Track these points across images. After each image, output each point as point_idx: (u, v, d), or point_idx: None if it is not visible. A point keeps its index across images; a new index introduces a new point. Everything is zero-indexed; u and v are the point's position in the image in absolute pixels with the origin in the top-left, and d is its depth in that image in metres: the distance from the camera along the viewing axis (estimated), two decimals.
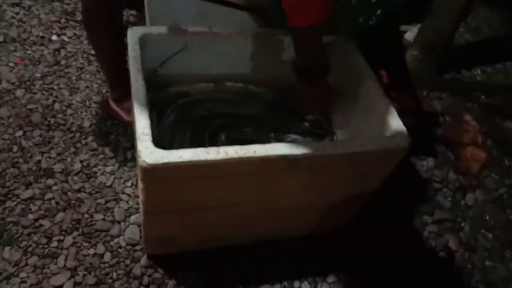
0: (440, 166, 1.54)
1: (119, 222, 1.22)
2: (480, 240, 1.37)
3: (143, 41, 1.04)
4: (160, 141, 1.08)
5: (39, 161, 1.32)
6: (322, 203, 1.13)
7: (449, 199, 1.46)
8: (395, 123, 1.00)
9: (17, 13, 1.74)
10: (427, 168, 1.52)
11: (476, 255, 1.33)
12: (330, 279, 1.20)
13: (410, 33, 1.99)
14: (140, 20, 1.76)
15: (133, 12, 1.77)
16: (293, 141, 1.21)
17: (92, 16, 1.20)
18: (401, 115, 1.64)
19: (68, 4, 1.81)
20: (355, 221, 1.26)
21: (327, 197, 1.11)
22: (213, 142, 1.15)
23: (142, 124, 0.87)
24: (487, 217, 1.44)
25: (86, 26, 1.25)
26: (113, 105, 1.41)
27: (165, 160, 0.82)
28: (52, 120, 1.42)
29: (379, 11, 1.10)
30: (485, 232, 1.40)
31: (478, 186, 1.52)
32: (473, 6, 2.31)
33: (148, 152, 0.83)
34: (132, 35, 1.04)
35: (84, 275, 1.11)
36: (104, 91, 1.52)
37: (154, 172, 0.84)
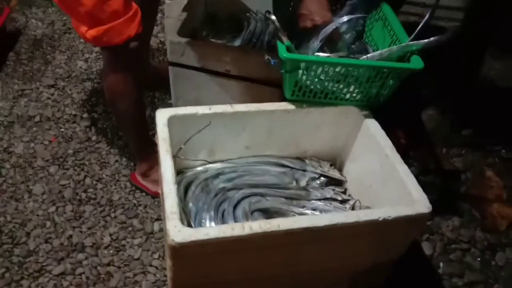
0: (467, 225, 1.52)
1: None
2: None
3: (170, 122, 1.11)
4: (187, 214, 1.12)
5: (71, 236, 1.37)
6: (348, 272, 1.13)
7: (479, 259, 1.43)
8: (415, 189, 1.02)
9: (52, 94, 1.88)
10: (453, 228, 1.50)
11: None
12: None
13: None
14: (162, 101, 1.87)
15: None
16: (315, 209, 1.23)
17: (116, 93, 1.30)
18: (422, 174, 1.66)
19: (98, 83, 1.95)
20: (385, 287, 1.24)
21: (352, 265, 1.11)
22: (236, 212, 1.19)
23: (170, 203, 0.92)
24: None
25: (111, 101, 1.34)
26: (139, 178, 1.48)
27: (193, 238, 0.86)
28: (83, 195, 1.49)
29: (391, 81, 1.16)
30: None
31: (508, 244, 1.48)
32: (485, 60, 2.37)
33: (177, 231, 0.86)
34: (160, 117, 1.12)
35: None
36: (132, 164, 1.59)
37: (182, 250, 0.87)
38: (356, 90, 1.18)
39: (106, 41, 1.13)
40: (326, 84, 1.16)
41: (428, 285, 1.35)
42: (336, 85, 1.17)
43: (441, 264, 1.40)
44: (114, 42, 1.14)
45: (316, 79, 1.14)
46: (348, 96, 1.20)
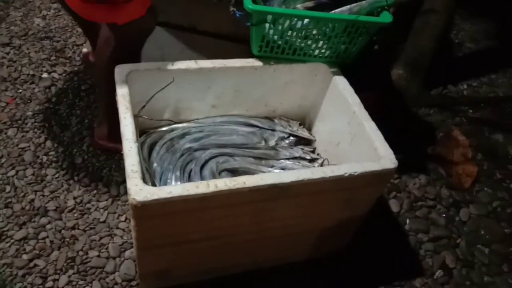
0: (433, 183, 1.55)
1: (114, 258, 1.21)
2: (477, 256, 1.37)
3: (130, 78, 1.06)
4: (151, 175, 1.09)
5: (33, 200, 1.32)
6: (315, 229, 1.13)
7: (444, 215, 1.46)
8: (382, 145, 1.02)
9: (8, 53, 1.77)
10: (420, 185, 1.53)
11: (474, 271, 1.33)
12: None
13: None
14: None
15: None
16: (284, 168, 1.22)
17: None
18: (390, 134, 1.67)
19: (57, 41, 1.84)
20: (351, 244, 1.26)
21: (320, 222, 1.11)
22: (204, 173, 1.16)
23: (131, 161, 0.88)
24: (483, 232, 1.44)
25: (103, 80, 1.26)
26: (104, 142, 1.42)
27: (155, 197, 0.83)
28: (45, 158, 1.43)
29: (360, 37, 1.13)
30: (481, 247, 1.40)
31: (471, 201, 1.52)
32: (454, 22, 2.37)
33: (138, 190, 0.83)
34: (119, 73, 1.06)
35: None
36: (94, 125, 1.53)
37: (144, 209, 0.84)
38: (325, 46, 1.15)
39: None
40: (294, 39, 1.12)
41: (395, 240, 1.37)
42: (304, 41, 1.14)
43: (408, 220, 1.43)
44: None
45: (284, 34, 1.09)
46: (317, 52, 1.17)
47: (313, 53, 1.17)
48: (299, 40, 1.13)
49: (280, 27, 1.07)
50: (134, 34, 1.16)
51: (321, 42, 1.14)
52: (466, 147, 1.68)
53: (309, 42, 1.14)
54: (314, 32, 1.10)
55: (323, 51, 1.16)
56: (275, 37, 1.10)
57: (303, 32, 1.10)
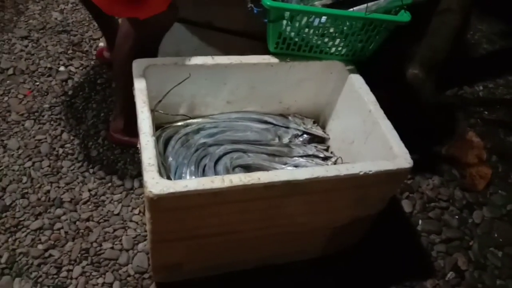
0: (446, 184, 1.54)
1: (127, 250, 1.23)
2: (490, 258, 1.36)
3: (148, 73, 1.07)
4: (166, 169, 1.10)
5: (48, 191, 1.34)
6: (328, 226, 1.13)
7: (456, 217, 1.45)
8: (397, 144, 1.01)
9: (26, 46, 1.79)
10: (433, 186, 1.52)
11: (486, 274, 1.32)
12: None
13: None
14: None
15: None
16: (297, 166, 1.22)
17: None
18: (404, 133, 1.66)
19: (74, 35, 1.86)
20: (362, 242, 1.26)
21: (332, 220, 1.11)
22: (218, 168, 1.17)
23: (148, 155, 0.89)
24: (496, 235, 1.43)
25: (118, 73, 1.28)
26: (119, 136, 1.44)
27: (171, 190, 0.84)
28: (61, 150, 1.45)
29: (376, 35, 1.13)
30: (494, 250, 1.38)
31: (485, 203, 1.51)
32: (471, 23, 2.34)
33: (154, 183, 0.84)
34: (137, 67, 1.07)
35: None
36: (110, 119, 1.55)
37: (160, 202, 0.85)
38: (342, 44, 1.15)
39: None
40: (311, 36, 1.12)
41: (407, 241, 1.37)
42: (321, 38, 1.14)
43: (420, 221, 1.42)
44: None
45: (301, 31, 1.10)
46: (333, 50, 1.17)
47: (329, 51, 1.17)
48: (315, 38, 1.13)
49: (297, 24, 1.08)
50: (154, 29, 1.17)
51: (338, 40, 1.14)
52: (480, 149, 1.67)
53: (326, 40, 1.14)
54: (331, 29, 1.10)
55: (339, 48, 1.16)
56: (292, 34, 1.10)
57: (320, 30, 1.10)
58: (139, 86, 1.02)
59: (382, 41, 1.15)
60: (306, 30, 1.10)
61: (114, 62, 1.29)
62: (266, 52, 1.19)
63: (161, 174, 0.90)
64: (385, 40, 1.16)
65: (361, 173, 0.94)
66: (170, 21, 1.19)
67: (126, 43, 1.18)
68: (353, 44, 1.14)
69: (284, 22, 1.06)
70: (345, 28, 1.10)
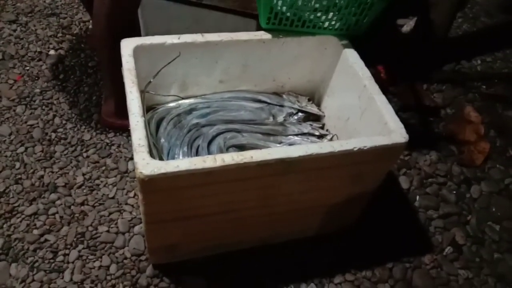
0: (444, 159, 1.53)
1: (123, 233, 1.22)
2: (488, 233, 1.36)
3: (136, 52, 1.04)
4: (159, 150, 1.09)
5: (42, 177, 1.33)
6: (324, 204, 1.12)
7: (454, 192, 1.44)
8: (392, 120, 0.99)
9: (14, 30, 1.76)
10: (430, 162, 1.51)
11: (484, 248, 1.32)
12: (337, 279, 1.19)
13: (407, 27, 1.98)
14: None
15: None
16: (292, 144, 1.21)
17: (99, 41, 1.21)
18: (402, 110, 1.65)
19: (64, 18, 1.83)
20: (360, 220, 1.25)
21: (328, 198, 1.10)
22: (211, 148, 1.15)
23: (138, 135, 0.88)
24: (494, 209, 1.42)
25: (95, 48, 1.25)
26: (112, 119, 1.42)
27: (162, 171, 0.82)
28: (53, 135, 1.43)
29: (371, 8, 1.09)
30: (492, 224, 1.38)
31: (483, 178, 1.50)
32: None
33: (145, 164, 0.83)
34: (125, 47, 1.04)
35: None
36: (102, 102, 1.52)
37: (151, 183, 0.84)
38: (335, 18, 1.12)
39: None
40: (303, 11, 1.09)
41: (404, 217, 1.36)
42: (314, 13, 1.11)
43: (417, 197, 1.41)
44: None
45: (293, 5, 1.06)
46: (326, 24, 1.14)
47: (323, 25, 1.14)
48: (308, 12, 1.10)
49: None
50: None
51: (331, 14, 1.11)
52: (478, 124, 1.65)
53: (319, 14, 1.11)
54: (324, 3, 1.07)
55: (333, 23, 1.13)
56: (284, 8, 1.07)
57: (313, 3, 1.07)
58: (128, 66, 0.99)
59: (377, 14, 1.12)
60: (299, 3, 1.07)
61: (96, 41, 1.26)
62: (259, 30, 1.16)
63: (153, 156, 0.89)
64: (380, 13, 1.13)
65: (356, 149, 0.92)
66: None
67: (101, 17, 1.15)
68: (347, 18, 1.11)
69: None
70: (337, 1, 1.07)
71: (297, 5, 1.07)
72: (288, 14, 1.09)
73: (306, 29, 1.14)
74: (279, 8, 1.07)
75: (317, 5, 1.08)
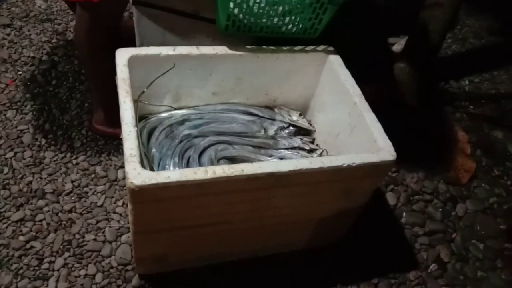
0: (430, 177, 1.55)
1: (110, 242, 1.22)
2: (472, 251, 1.38)
3: (131, 62, 1.05)
4: (150, 160, 1.09)
5: (30, 182, 1.32)
6: (313, 218, 1.13)
7: (440, 210, 1.47)
8: (381, 138, 1.01)
9: (8, 34, 1.76)
10: (417, 179, 1.53)
11: (468, 266, 1.34)
12: None
13: (398, 46, 2.02)
14: None
15: None
16: (282, 158, 1.22)
17: (83, 47, 1.21)
18: (390, 127, 1.66)
19: (59, 24, 1.83)
20: (349, 235, 1.27)
21: (317, 212, 1.11)
22: (202, 160, 1.16)
23: (130, 145, 0.88)
24: (478, 227, 1.44)
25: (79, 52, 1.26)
26: (103, 127, 1.42)
27: (153, 181, 0.83)
28: (43, 141, 1.42)
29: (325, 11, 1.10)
30: (476, 242, 1.40)
31: (468, 196, 1.53)
32: (459, 17, 2.35)
33: (136, 174, 0.83)
34: (120, 57, 1.05)
35: None
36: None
37: (142, 193, 0.84)
38: (292, 23, 1.12)
39: None
40: (259, 17, 1.09)
41: (391, 233, 1.38)
42: (270, 19, 1.11)
43: (404, 214, 1.43)
44: None
45: (250, 11, 1.07)
46: (284, 29, 1.14)
47: (280, 30, 1.15)
48: (265, 19, 1.11)
49: (244, 5, 1.05)
50: (110, 10, 1.14)
51: (287, 19, 1.12)
52: (465, 143, 1.68)
53: (276, 20, 1.12)
54: (280, 10, 1.08)
55: (289, 27, 1.14)
56: (241, 16, 1.08)
57: (269, 10, 1.07)
58: (122, 76, 1.00)
59: (332, 18, 1.13)
60: (255, 11, 1.07)
61: (79, 51, 1.26)
62: (253, 43, 1.17)
63: (144, 166, 0.89)
64: (335, 17, 1.13)
65: (345, 165, 0.94)
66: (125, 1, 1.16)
67: (83, 30, 1.16)
68: (303, 22, 1.12)
69: (231, 3, 1.04)
70: (293, 5, 1.07)
71: (253, 13, 1.08)
72: (245, 21, 1.10)
73: (264, 34, 1.15)
74: (235, 15, 1.08)
75: (272, 12, 1.09)
